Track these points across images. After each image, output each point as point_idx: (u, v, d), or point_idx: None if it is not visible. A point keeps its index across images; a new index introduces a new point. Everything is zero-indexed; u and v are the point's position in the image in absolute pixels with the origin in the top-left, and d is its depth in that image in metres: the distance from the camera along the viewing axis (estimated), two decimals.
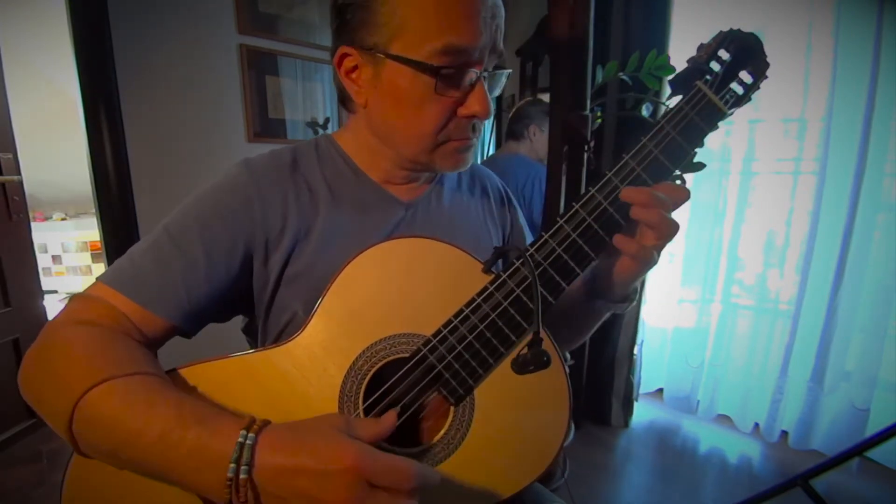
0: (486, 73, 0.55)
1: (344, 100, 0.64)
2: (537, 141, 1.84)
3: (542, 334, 0.48)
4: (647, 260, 0.53)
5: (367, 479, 0.38)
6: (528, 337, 0.48)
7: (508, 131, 1.93)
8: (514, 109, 1.95)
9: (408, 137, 0.58)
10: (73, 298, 0.54)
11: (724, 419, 2.14)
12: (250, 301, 0.62)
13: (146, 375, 0.46)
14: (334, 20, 0.58)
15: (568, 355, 0.59)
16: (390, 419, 0.46)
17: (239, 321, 0.70)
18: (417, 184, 0.68)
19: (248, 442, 0.39)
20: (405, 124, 0.57)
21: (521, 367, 0.46)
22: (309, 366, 0.51)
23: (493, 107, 0.56)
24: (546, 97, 1.90)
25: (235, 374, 0.50)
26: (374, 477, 0.38)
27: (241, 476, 0.39)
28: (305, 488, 0.38)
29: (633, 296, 0.61)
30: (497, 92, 0.60)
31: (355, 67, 0.57)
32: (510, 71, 0.61)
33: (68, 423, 0.44)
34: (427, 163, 0.60)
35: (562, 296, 0.59)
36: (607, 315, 0.65)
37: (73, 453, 0.48)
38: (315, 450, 0.39)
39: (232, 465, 0.39)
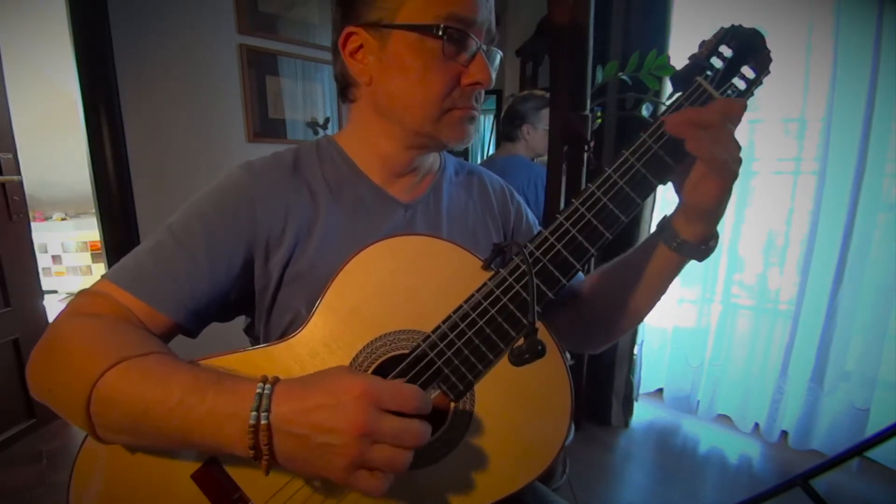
0: (484, 47, 0.58)
1: (345, 88, 0.65)
2: (532, 139, 1.84)
3: (540, 326, 0.48)
4: (722, 167, 0.49)
5: (377, 404, 0.41)
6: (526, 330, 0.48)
7: (502, 133, 1.93)
8: (504, 109, 1.93)
9: (413, 106, 0.58)
10: (80, 294, 0.54)
11: (724, 419, 2.14)
12: (252, 301, 0.62)
13: (160, 354, 0.49)
14: (338, 4, 0.60)
15: (568, 355, 0.58)
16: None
17: (240, 323, 0.70)
18: (416, 179, 0.68)
19: (265, 392, 0.43)
20: (411, 93, 0.58)
21: (517, 357, 0.46)
22: (310, 362, 0.51)
23: (493, 77, 0.59)
24: (537, 91, 1.90)
25: (236, 369, 0.50)
26: (383, 401, 0.42)
27: (262, 422, 0.41)
28: (322, 421, 0.41)
29: (713, 239, 0.57)
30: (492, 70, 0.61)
31: (360, 47, 0.59)
32: (501, 54, 0.64)
33: (86, 406, 0.45)
34: (432, 133, 0.60)
35: (636, 256, 0.61)
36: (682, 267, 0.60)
37: (77, 454, 0.49)
38: (325, 387, 0.43)
39: (253, 413, 0.41)
